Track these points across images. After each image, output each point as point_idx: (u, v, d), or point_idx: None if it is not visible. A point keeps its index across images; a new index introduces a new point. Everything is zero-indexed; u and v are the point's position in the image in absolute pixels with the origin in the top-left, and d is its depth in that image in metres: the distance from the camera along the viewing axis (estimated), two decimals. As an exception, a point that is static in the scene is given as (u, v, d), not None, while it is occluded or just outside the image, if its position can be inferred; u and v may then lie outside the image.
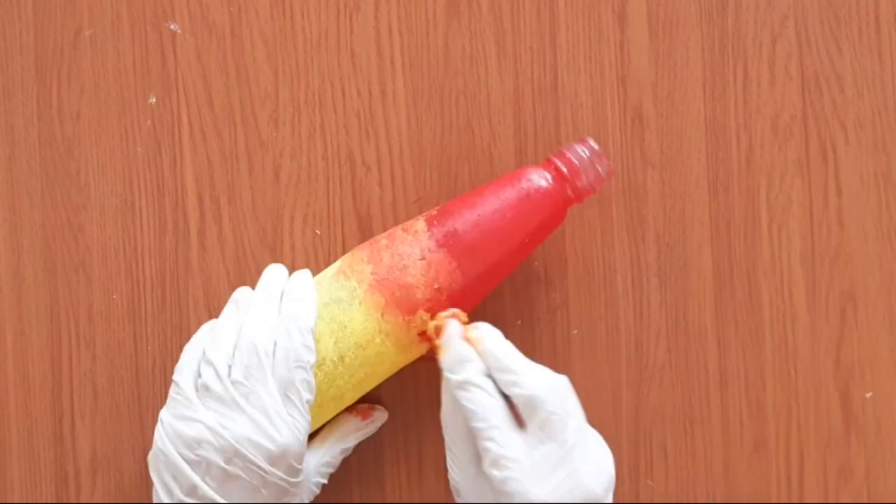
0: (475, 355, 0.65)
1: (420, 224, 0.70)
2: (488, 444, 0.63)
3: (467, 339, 0.66)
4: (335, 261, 0.75)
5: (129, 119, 0.76)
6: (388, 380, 0.74)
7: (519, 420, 0.65)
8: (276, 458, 0.64)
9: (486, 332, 0.66)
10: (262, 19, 0.76)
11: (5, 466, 0.76)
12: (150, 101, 0.76)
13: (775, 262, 0.76)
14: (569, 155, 0.70)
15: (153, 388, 0.76)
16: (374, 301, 0.68)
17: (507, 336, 0.66)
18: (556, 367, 0.75)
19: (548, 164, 0.71)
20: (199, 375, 0.66)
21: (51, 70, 0.77)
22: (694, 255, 0.76)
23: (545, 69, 0.77)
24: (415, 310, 0.68)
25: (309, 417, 0.66)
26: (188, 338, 0.75)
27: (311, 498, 0.69)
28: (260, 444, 0.64)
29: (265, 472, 0.64)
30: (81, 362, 0.76)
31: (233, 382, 0.65)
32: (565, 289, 0.76)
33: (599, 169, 0.70)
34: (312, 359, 0.66)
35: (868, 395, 0.76)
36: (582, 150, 0.70)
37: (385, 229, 0.76)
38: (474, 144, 0.76)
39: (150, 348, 0.76)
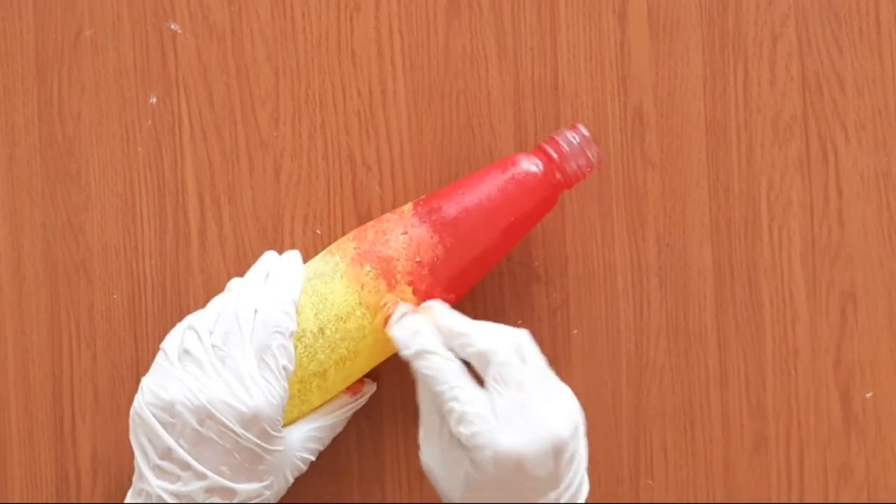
0: (426, 327, 0.66)
1: (407, 206, 0.71)
2: (452, 405, 0.64)
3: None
4: (335, 260, 0.76)
5: (129, 119, 0.77)
6: (387, 379, 0.74)
7: (480, 382, 0.65)
8: (248, 422, 0.64)
9: (434, 305, 0.68)
10: (262, 19, 0.76)
11: (6, 466, 0.76)
12: (151, 100, 0.76)
13: (776, 261, 0.76)
14: (559, 140, 0.71)
15: (154, 387, 0.76)
16: (355, 273, 0.68)
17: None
18: (556, 367, 0.75)
19: (538, 150, 0.71)
20: (182, 342, 0.67)
21: (51, 70, 0.77)
22: (694, 254, 0.76)
23: (545, 69, 0.77)
24: (396, 284, 0.68)
25: (285, 384, 0.66)
26: (188, 337, 0.76)
27: (296, 473, 0.69)
28: (232, 407, 0.64)
29: (238, 435, 0.64)
30: (82, 362, 0.76)
31: (212, 346, 0.65)
32: (565, 289, 0.76)
33: (590, 154, 0.71)
34: (292, 326, 0.67)
35: (868, 394, 0.76)
36: (572, 136, 0.71)
37: (385, 229, 0.76)
38: (475, 144, 0.76)
39: (150, 348, 0.76)
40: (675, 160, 0.76)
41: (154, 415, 0.65)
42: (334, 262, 0.69)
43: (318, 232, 0.76)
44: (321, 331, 0.68)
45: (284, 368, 0.66)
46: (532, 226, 0.72)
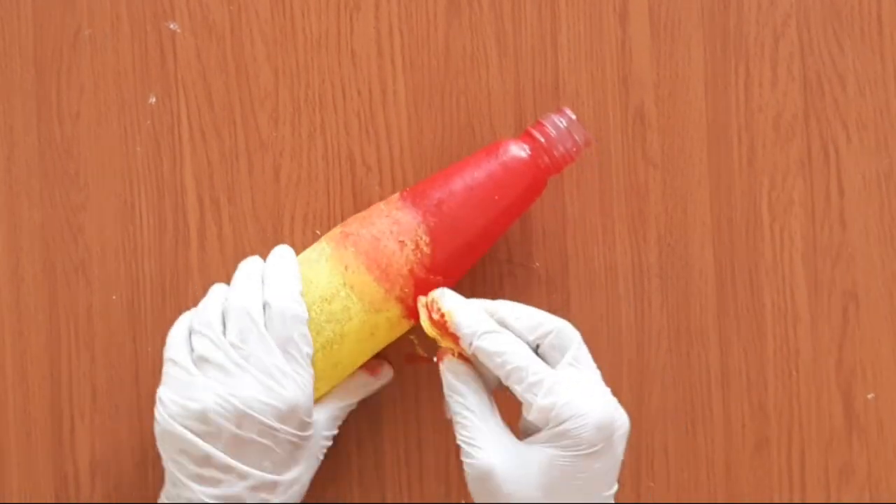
0: (480, 310, 0.66)
1: (395, 194, 0.72)
2: (538, 377, 0.63)
3: None
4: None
5: (128, 119, 0.76)
6: (388, 381, 0.74)
7: None
8: (285, 416, 0.65)
9: (496, 302, 0.67)
10: (262, 19, 0.76)
11: (4, 468, 0.76)
12: (150, 100, 0.76)
13: (777, 262, 0.76)
14: (545, 124, 0.71)
15: (153, 388, 0.75)
16: (339, 255, 0.69)
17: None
18: (558, 368, 0.75)
19: (525, 134, 0.71)
20: (193, 349, 0.66)
21: (50, 70, 0.76)
22: (695, 255, 0.76)
23: (546, 68, 0.76)
24: (380, 264, 0.68)
25: (311, 370, 0.66)
26: (188, 338, 0.75)
27: (322, 453, 0.70)
28: (269, 404, 0.64)
29: (276, 430, 0.65)
30: (81, 363, 0.76)
31: (231, 346, 0.65)
32: (566, 289, 0.76)
33: (577, 138, 0.71)
34: (305, 315, 0.67)
35: (870, 395, 0.76)
36: (559, 120, 0.71)
37: (385, 229, 0.76)
38: (475, 144, 0.76)
39: (149, 349, 0.76)
40: (677, 160, 0.76)
41: (185, 426, 0.64)
42: (321, 248, 0.70)
43: (318, 232, 0.76)
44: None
45: (308, 355, 0.66)
46: (521, 211, 0.72)
